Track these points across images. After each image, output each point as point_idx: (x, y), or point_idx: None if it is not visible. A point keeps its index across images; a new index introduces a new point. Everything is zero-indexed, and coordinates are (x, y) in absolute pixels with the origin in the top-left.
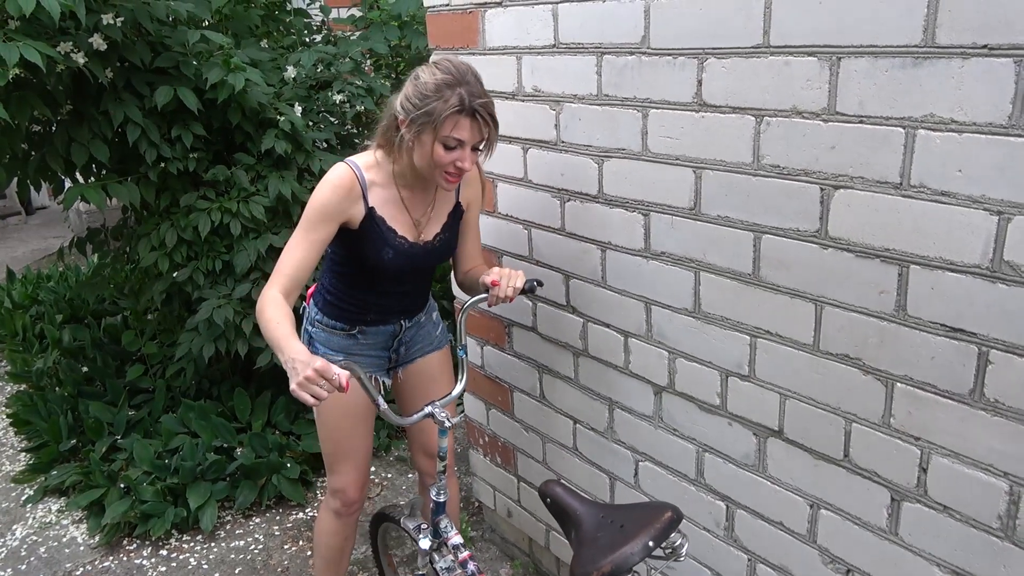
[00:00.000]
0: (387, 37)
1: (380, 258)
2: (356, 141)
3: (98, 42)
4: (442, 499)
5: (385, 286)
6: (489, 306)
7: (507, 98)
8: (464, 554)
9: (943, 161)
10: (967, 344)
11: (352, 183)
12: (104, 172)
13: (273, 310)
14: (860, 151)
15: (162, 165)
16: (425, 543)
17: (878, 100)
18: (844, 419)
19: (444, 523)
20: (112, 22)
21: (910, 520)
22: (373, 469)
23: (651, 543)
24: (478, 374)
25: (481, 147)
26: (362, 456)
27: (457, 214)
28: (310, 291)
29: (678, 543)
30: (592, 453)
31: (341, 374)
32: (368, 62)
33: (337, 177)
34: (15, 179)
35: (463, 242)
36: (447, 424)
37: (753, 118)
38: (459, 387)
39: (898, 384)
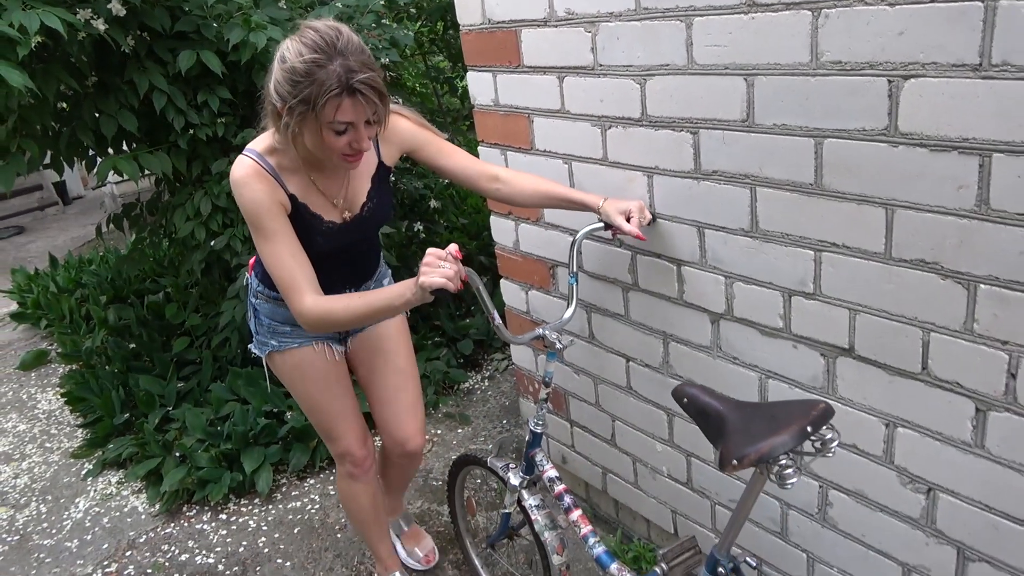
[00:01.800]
0: None
1: (313, 246)
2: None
3: (116, 7)
4: (539, 430)
5: (329, 260)
6: (614, 236)
7: (539, 25)
8: (560, 487)
9: None
10: None
11: (258, 171)
12: (135, 145)
13: (333, 302)
14: (932, 33)
15: (191, 132)
16: (515, 479)
17: None
18: (921, 329)
19: (539, 456)
20: None
21: (998, 431)
22: None
23: (808, 428)
24: (525, 320)
25: (375, 118)
26: (350, 413)
27: (383, 174)
28: (252, 260)
29: (829, 436)
30: (647, 391)
31: (451, 248)
32: (389, 13)
33: (243, 170)
34: (47, 157)
35: (452, 171)
36: (558, 346)
37: (810, 12)
38: (570, 311)
39: (981, 286)
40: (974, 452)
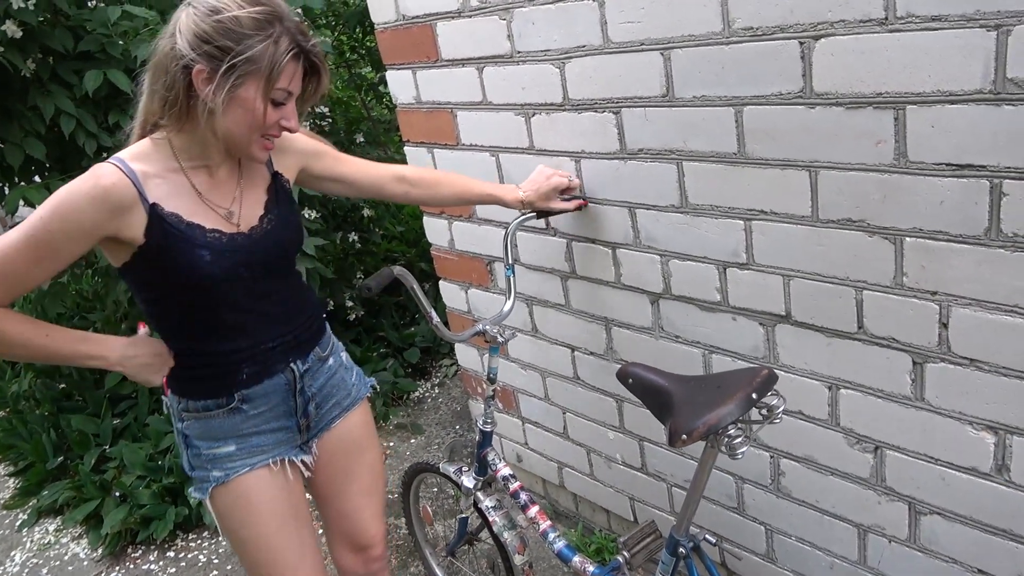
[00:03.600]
0: None
1: (196, 265)
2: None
3: (12, 29)
4: (488, 428)
5: (236, 309)
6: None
7: (453, 17)
8: (515, 484)
9: None
10: (976, 180)
11: (118, 186)
12: (46, 173)
13: (12, 321)
14: None
15: (104, 155)
16: (469, 482)
17: None
18: (854, 288)
19: (491, 456)
20: (24, 5)
21: (935, 381)
22: None
23: (754, 395)
24: (466, 320)
25: (298, 100)
26: (310, 556)
27: (280, 187)
28: (163, 379)
29: (774, 402)
30: (595, 379)
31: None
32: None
33: (96, 179)
34: None
35: (356, 183)
36: (499, 339)
37: None
38: (509, 304)
39: (907, 239)
40: (915, 405)
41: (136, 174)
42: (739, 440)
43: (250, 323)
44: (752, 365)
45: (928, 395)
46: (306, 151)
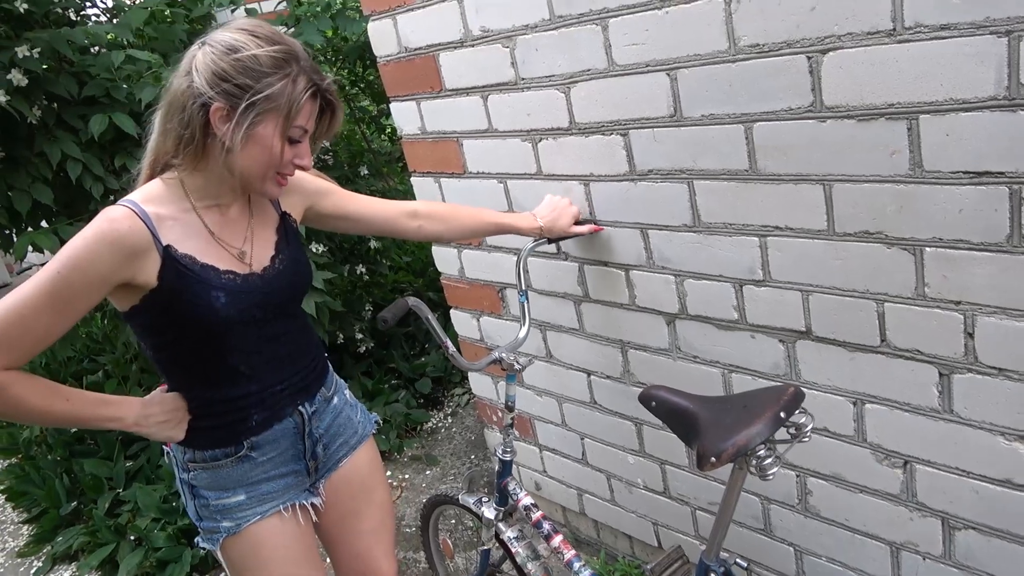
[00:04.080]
0: (320, 29)
1: (211, 308)
2: None
3: (17, 78)
4: (508, 458)
5: (246, 352)
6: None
7: (455, 47)
8: (537, 514)
9: None
10: (995, 186)
11: (133, 230)
12: (53, 218)
13: (31, 385)
14: (844, 3)
15: (112, 198)
16: (490, 512)
17: None
18: (875, 301)
19: (512, 485)
20: (29, 54)
21: (963, 392)
22: (389, 473)
23: (782, 414)
24: (479, 348)
25: (320, 135)
26: None
27: (288, 228)
28: (184, 432)
29: (802, 420)
30: (612, 403)
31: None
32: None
33: (109, 223)
34: None
35: (364, 220)
36: (516, 367)
37: None
38: (524, 330)
39: (927, 249)
40: (944, 418)
41: (149, 216)
42: (769, 461)
43: (259, 366)
44: (777, 383)
45: (957, 407)
46: (312, 190)
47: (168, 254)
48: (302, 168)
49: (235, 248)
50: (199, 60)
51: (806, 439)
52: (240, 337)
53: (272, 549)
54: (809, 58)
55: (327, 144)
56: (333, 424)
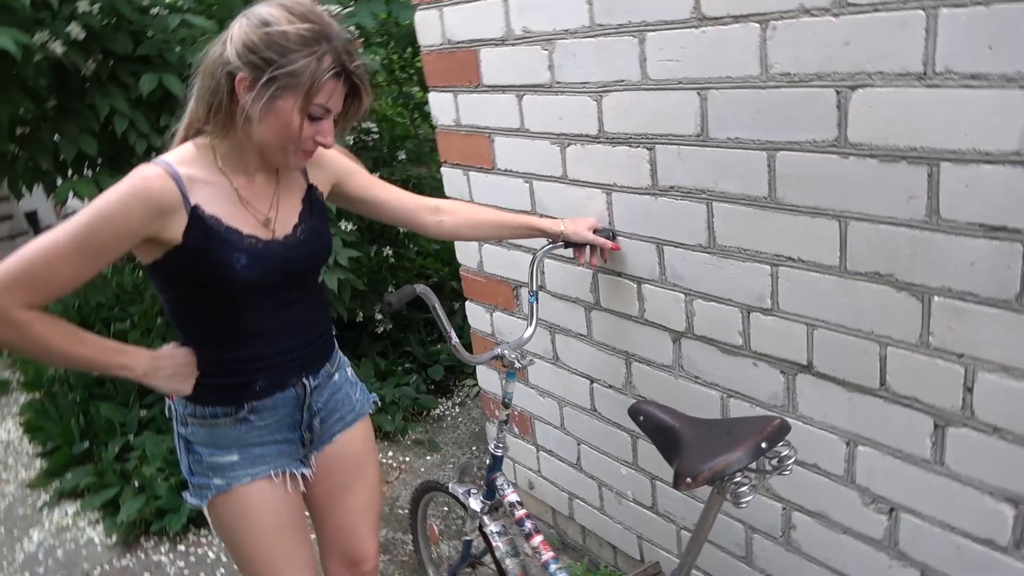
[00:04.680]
0: (373, 12)
1: (232, 269)
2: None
3: (76, 31)
4: (500, 453)
5: (261, 316)
6: (576, 255)
7: (496, 44)
8: (521, 511)
9: (971, 39)
10: (1010, 243)
11: (164, 189)
12: (96, 169)
13: (50, 324)
14: (877, 42)
15: (153, 155)
16: (476, 504)
17: None
18: (879, 344)
19: (500, 481)
20: (89, 9)
21: (956, 447)
22: (390, 454)
23: (763, 444)
24: (489, 342)
25: (338, 118)
26: (307, 570)
27: (314, 199)
28: (192, 388)
29: (785, 453)
30: (611, 412)
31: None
32: (358, 38)
33: (142, 181)
34: (5, 181)
35: (386, 207)
36: (517, 365)
37: (757, 25)
38: (530, 330)
39: (936, 298)
40: (934, 470)
41: (181, 177)
42: (744, 489)
43: (272, 333)
44: (767, 413)
45: (948, 460)
46: (340, 169)
47: (195, 214)
48: (324, 145)
49: (261, 214)
50: (235, 30)
51: (787, 472)
52: (256, 301)
53: (259, 511)
54: (838, 92)
55: (370, 124)
56: (332, 399)
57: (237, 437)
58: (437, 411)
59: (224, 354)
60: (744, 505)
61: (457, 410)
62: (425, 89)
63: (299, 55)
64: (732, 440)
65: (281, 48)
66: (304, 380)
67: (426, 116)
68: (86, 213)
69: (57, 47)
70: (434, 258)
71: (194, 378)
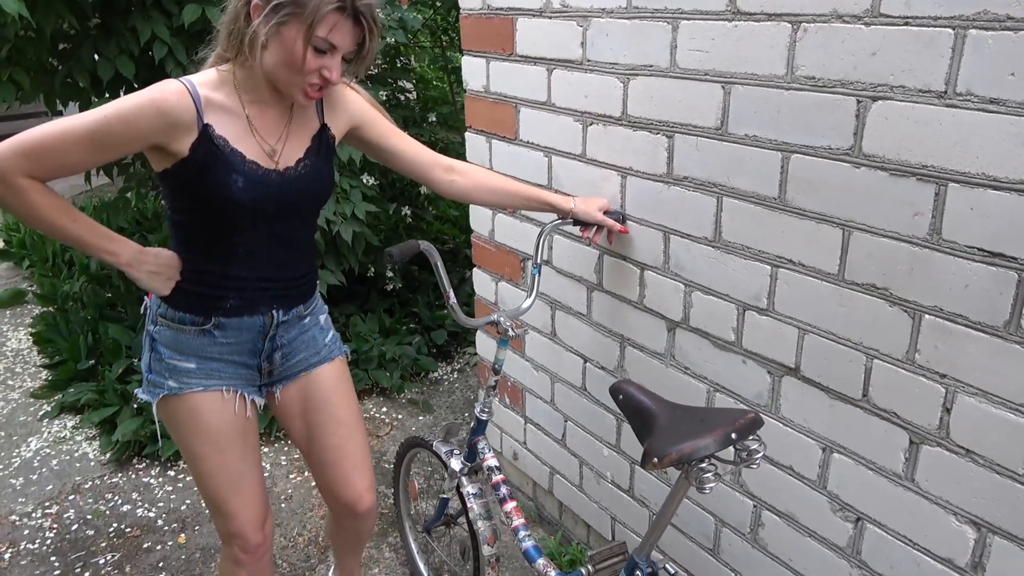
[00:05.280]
0: None
1: (229, 189)
2: (388, 79)
3: None
4: (484, 417)
5: (247, 240)
6: (583, 234)
7: (534, 15)
8: (498, 476)
9: (994, 63)
10: (1005, 270)
11: (180, 104)
12: (132, 90)
13: (45, 196)
14: (903, 56)
15: None
16: (456, 465)
17: None
18: (865, 355)
19: (482, 444)
20: None
21: (928, 465)
22: (383, 409)
23: (733, 435)
24: (491, 310)
25: (352, 57)
26: (249, 485)
27: (324, 139)
28: (170, 290)
29: (755, 447)
30: (600, 393)
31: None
32: None
33: (161, 93)
34: (42, 96)
35: (401, 158)
36: (511, 333)
37: (789, 25)
38: (529, 301)
39: (926, 316)
40: (904, 485)
41: (200, 97)
42: (708, 475)
43: (255, 259)
44: (742, 407)
45: (919, 477)
46: (360, 114)
47: (205, 132)
48: (328, 81)
49: (268, 144)
50: None
51: (754, 466)
52: (247, 225)
53: (206, 420)
54: (859, 102)
55: (407, 83)
56: (298, 339)
57: (199, 347)
58: (435, 374)
59: (206, 266)
60: (707, 491)
61: (455, 376)
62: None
63: None
64: (703, 427)
65: None
66: (273, 311)
67: (460, 81)
68: (105, 109)
69: None
70: (452, 224)
71: (173, 281)
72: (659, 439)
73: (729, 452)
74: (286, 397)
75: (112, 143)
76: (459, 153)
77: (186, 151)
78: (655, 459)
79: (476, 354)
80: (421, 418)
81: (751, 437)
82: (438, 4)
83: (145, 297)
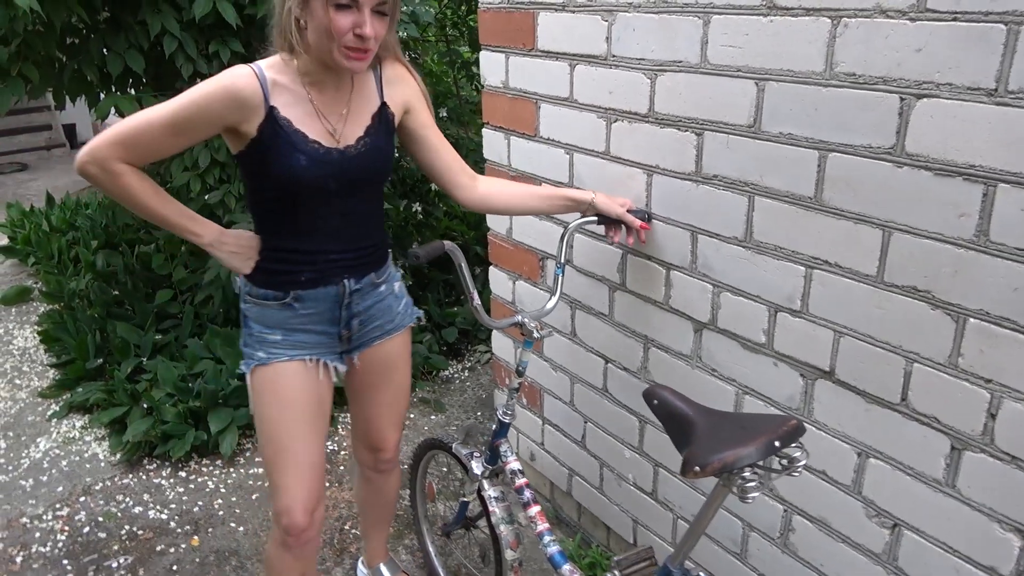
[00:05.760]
0: None
1: (292, 167)
2: None
3: None
4: (507, 420)
5: (314, 215)
6: (607, 232)
7: (557, 9)
8: (521, 480)
9: None
10: None
11: (248, 86)
12: (140, 87)
13: (139, 180)
14: (951, 53)
15: (198, 80)
16: (478, 468)
17: None
18: (905, 359)
19: (504, 447)
20: None
21: (971, 471)
22: None
23: (777, 443)
24: (509, 310)
25: (384, 8)
26: (307, 466)
27: (384, 117)
28: (251, 268)
29: (797, 455)
30: (622, 394)
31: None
32: None
33: (231, 77)
34: (50, 91)
35: (431, 152)
36: (536, 335)
37: (829, 20)
38: (553, 301)
39: (971, 320)
40: (944, 491)
41: (267, 80)
42: (752, 484)
43: (321, 232)
44: (782, 413)
45: (960, 483)
46: (413, 97)
47: (271, 113)
48: (363, 36)
49: (329, 124)
50: None
51: (796, 473)
52: (312, 200)
53: (286, 385)
54: (902, 99)
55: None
56: (374, 307)
57: (282, 320)
58: (446, 372)
59: (280, 243)
60: (750, 500)
61: (466, 374)
62: (474, 49)
63: None
64: (745, 434)
65: None
66: (345, 281)
67: (471, 77)
68: (183, 96)
69: None
70: (460, 220)
71: (253, 261)
72: (700, 447)
73: (770, 459)
74: (363, 364)
75: (191, 127)
76: (469, 149)
77: (254, 131)
78: (697, 468)
79: (488, 352)
80: (433, 417)
81: (793, 444)
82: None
83: (236, 277)
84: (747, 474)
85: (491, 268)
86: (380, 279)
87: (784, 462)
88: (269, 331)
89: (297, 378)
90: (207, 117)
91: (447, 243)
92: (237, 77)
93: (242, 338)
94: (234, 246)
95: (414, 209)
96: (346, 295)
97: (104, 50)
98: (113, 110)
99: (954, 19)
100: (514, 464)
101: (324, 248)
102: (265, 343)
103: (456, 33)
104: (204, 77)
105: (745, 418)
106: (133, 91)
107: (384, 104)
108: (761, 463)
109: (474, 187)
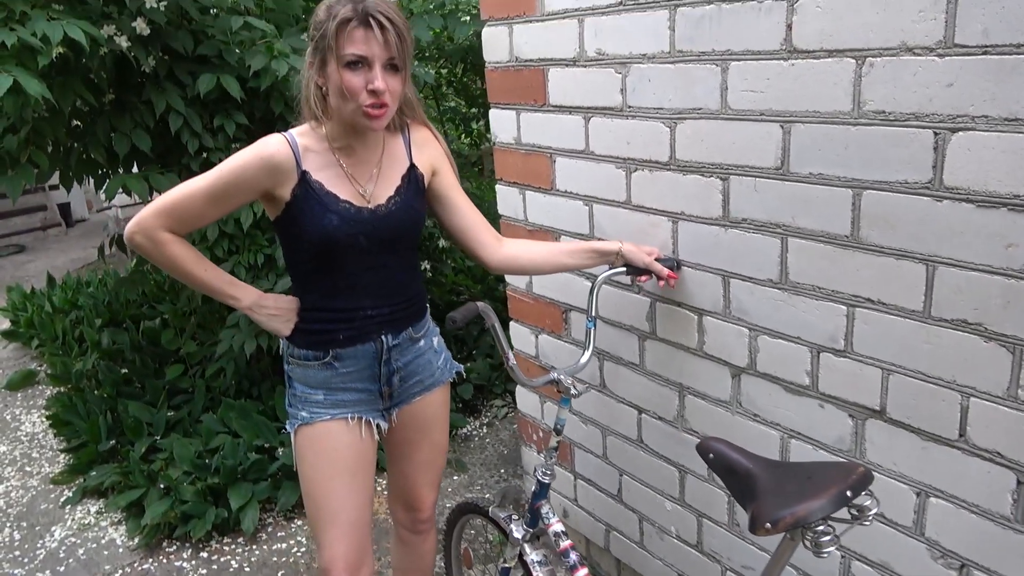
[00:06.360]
0: (430, 25)
1: (324, 226)
2: None
3: (141, 26)
4: (547, 480)
5: (348, 273)
6: (633, 282)
7: (567, 65)
8: (566, 543)
9: None
10: None
11: (280, 152)
12: (146, 166)
13: (183, 248)
14: (984, 86)
15: (204, 155)
16: (518, 532)
17: (1007, 25)
18: (960, 394)
19: (545, 509)
20: (155, 5)
21: None
22: None
23: (848, 493)
24: (532, 364)
25: (395, 63)
26: (348, 523)
27: (414, 177)
28: (290, 331)
29: (867, 503)
30: (659, 445)
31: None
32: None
33: (264, 146)
34: (56, 175)
35: (457, 214)
36: (573, 391)
37: (853, 60)
38: (586, 356)
39: None
40: (1014, 528)
41: (298, 146)
42: (827, 538)
43: (358, 290)
44: (842, 460)
45: None
46: (438, 160)
47: (304, 177)
48: (375, 91)
49: (360, 186)
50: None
51: (867, 523)
52: (345, 259)
53: (328, 446)
54: (936, 134)
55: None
56: (413, 362)
57: (324, 379)
58: (465, 430)
59: (318, 303)
60: (826, 556)
61: (485, 431)
62: (469, 104)
63: (324, 23)
64: (814, 486)
65: (318, 22)
66: (383, 337)
67: (468, 132)
68: (220, 166)
69: (122, 42)
70: (466, 275)
71: (292, 323)
72: (767, 502)
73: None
74: (403, 420)
75: (228, 194)
76: (479, 202)
77: (288, 195)
78: (768, 524)
79: (504, 407)
80: (456, 478)
81: (863, 492)
82: (444, 59)
83: (280, 340)
84: (820, 528)
85: (512, 323)
86: (418, 334)
87: (854, 511)
88: (312, 391)
89: (339, 436)
90: (244, 184)
91: (480, 304)
92: (270, 144)
93: (287, 398)
94: (273, 309)
95: (424, 267)
96: (384, 351)
97: (111, 132)
98: (121, 190)
99: (984, 53)
100: (557, 526)
101: (360, 304)
102: (308, 403)
103: (448, 90)
104: (210, 151)
105: (809, 468)
106: (136, 169)
107: (413, 165)
108: (833, 515)
109: (499, 247)
